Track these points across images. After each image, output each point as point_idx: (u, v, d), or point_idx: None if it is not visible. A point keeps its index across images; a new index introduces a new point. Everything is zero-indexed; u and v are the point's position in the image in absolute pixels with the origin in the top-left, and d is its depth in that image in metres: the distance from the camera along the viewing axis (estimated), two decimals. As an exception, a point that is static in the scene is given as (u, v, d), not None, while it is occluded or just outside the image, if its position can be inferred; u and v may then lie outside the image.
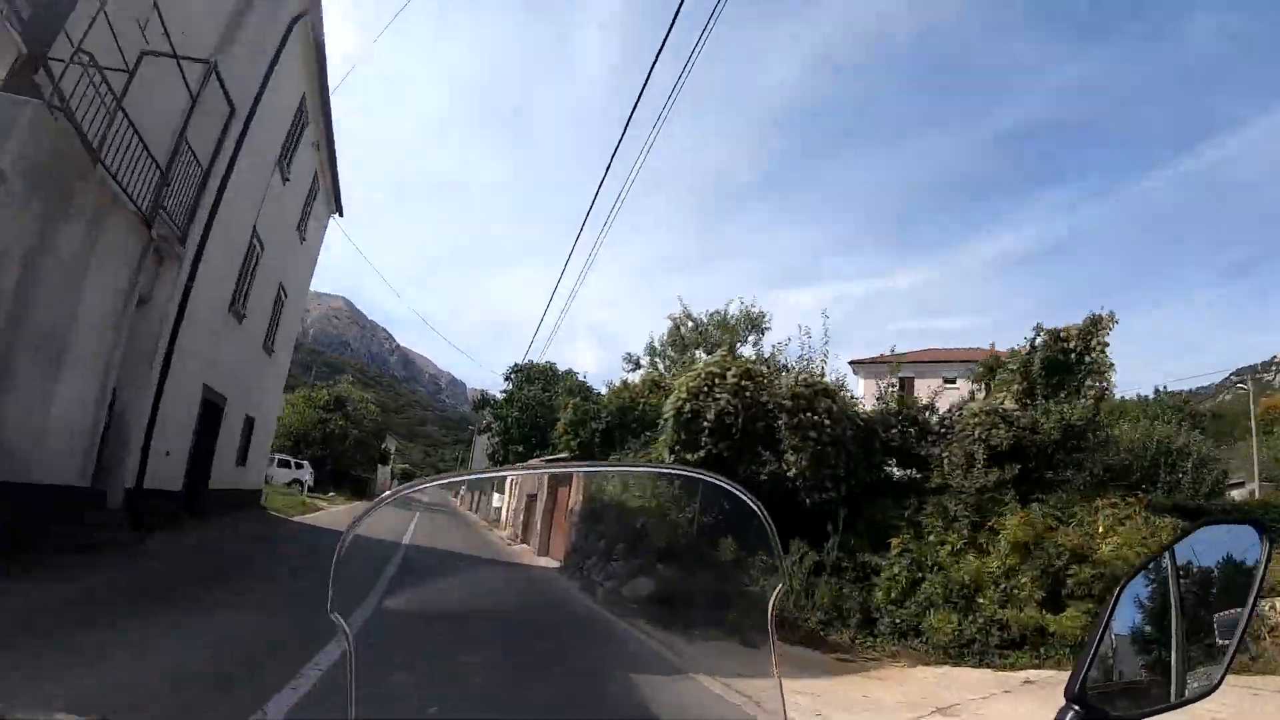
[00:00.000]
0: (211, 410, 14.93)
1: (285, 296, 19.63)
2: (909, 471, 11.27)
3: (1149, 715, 1.06)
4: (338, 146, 20.10)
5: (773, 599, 1.05)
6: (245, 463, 18.75)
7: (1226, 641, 1.08)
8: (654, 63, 8.55)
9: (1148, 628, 1.14)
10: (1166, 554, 1.16)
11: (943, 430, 11.16)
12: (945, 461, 10.57)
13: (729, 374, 10.55)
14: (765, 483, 9.71)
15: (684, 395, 10.52)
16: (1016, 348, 12.77)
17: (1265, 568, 1.08)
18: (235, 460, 17.68)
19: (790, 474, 9.76)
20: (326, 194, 21.82)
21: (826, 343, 14.59)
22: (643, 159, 14.26)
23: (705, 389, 10.47)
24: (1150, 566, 1.17)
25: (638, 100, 9.47)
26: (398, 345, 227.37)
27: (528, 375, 28.84)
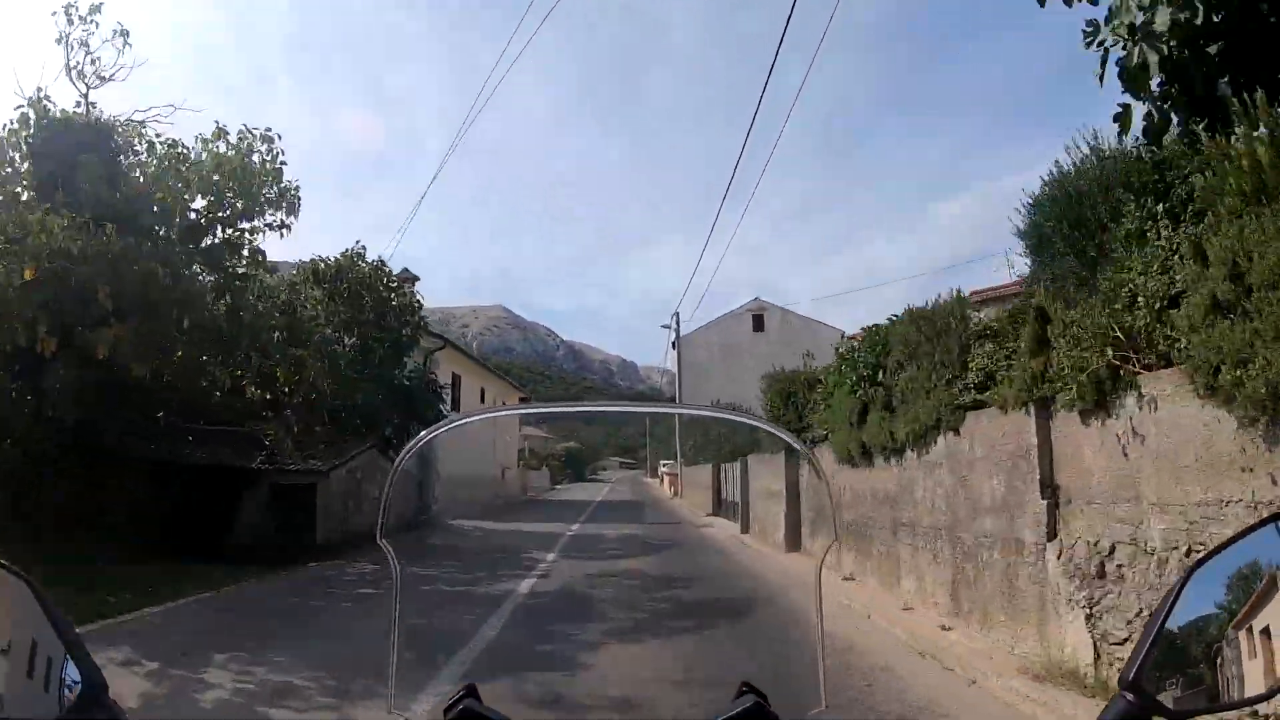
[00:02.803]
0: None
1: None
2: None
3: (1210, 711, 1.00)
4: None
5: (823, 555, 1.06)
6: None
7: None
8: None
9: (1216, 616, 1.07)
10: (1239, 541, 1.08)
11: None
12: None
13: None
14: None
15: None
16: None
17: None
18: None
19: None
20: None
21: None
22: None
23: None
24: (1223, 552, 1.09)
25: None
26: (562, 340, 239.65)
27: None
